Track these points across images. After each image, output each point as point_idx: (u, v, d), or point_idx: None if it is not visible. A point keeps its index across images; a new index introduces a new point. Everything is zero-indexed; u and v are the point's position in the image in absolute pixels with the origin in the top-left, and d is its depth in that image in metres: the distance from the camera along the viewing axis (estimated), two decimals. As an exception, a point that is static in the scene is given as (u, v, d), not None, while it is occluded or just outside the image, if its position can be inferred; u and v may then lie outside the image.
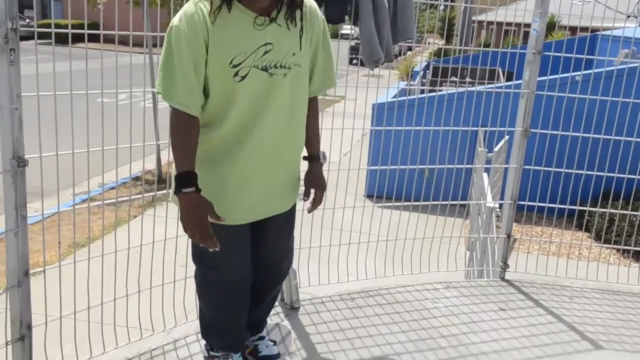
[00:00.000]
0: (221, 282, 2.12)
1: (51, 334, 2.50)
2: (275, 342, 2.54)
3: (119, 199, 2.67)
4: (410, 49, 18.57)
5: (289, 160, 2.14)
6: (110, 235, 2.85)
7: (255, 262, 2.25)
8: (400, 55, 18.37)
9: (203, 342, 2.38)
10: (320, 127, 2.32)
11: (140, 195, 2.85)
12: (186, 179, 1.89)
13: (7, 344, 2.24)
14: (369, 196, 6.68)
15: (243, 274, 2.12)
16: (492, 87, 5.32)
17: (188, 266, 2.44)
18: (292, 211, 2.31)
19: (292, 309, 3.15)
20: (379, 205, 3.80)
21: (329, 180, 3.47)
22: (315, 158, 2.28)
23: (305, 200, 2.27)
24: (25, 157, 2.18)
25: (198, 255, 2.11)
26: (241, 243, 2.10)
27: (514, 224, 4.26)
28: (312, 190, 2.29)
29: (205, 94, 1.94)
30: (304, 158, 2.27)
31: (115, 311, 2.66)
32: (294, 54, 1.97)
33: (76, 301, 2.51)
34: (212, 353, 2.29)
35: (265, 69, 1.93)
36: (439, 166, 3.66)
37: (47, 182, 2.39)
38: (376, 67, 2.87)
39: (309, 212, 2.34)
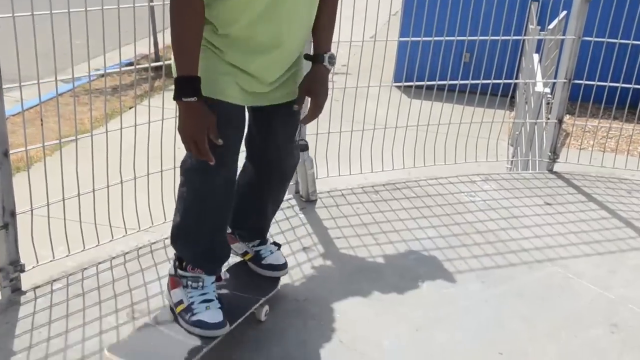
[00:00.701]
0: (202, 172, 1.97)
1: (39, 228, 2.50)
2: (279, 246, 2.42)
3: (113, 87, 2.58)
4: None
5: (298, 45, 2.01)
6: (102, 128, 2.83)
7: (256, 160, 2.22)
8: None
9: (172, 259, 2.21)
10: (338, 12, 2.12)
11: (135, 80, 2.76)
12: (188, 85, 1.78)
13: (-12, 231, 2.25)
14: (398, 85, 6.53)
15: (231, 168, 2.03)
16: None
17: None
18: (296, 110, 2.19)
19: (308, 202, 3.14)
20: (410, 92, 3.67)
21: (352, 67, 3.38)
22: (319, 59, 2.07)
23: (295, 109, 2.11)
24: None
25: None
26: (236, 130, 2.00)
27: (566, 116, 4.11)
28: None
29: None
30: (307, 57, 2.10)
31: (109, 206, 2.64)
32: None
33: (65, 194, 2.50)
34: (180, 272, 2.08)
35: None
36: (481, 38, 3.45)
37: (26, 68, 2.28)
38: None
39: (304, 123, 2.27)
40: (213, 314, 2.01)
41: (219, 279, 2.16)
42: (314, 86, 2.08)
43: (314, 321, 2.27)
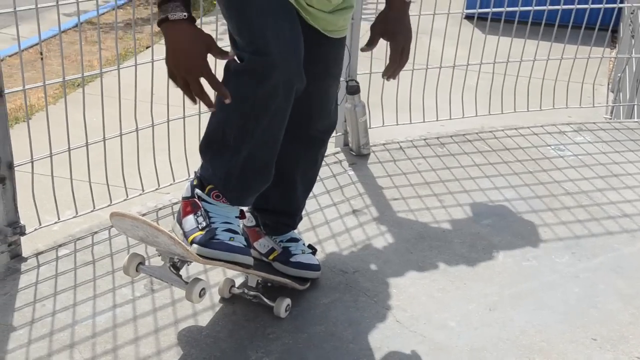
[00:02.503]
0: (259, 71, 1.87)
1: (42, 188, 2.56)
2: (315, 251, 2.38)
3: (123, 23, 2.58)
4: None
5: None
6: (113, 71, 2.86)
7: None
8: None
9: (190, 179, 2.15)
10: None
11: (151, 13, 2.76)
12: (173, 1, 1.73)
13: (-18, 187, 2.32)
14: (469, 17, 6.40)
15: (292, 65, 1.91)
16: None
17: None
18: (342, 45, 2.18)
19: (359, 157, 3.15)
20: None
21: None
22: None
23: (365, 49, 2.14)
24: None
25: (237, 30, 1.93)
26: (289, 18, 1.92)
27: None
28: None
29: None
30: None
31: (122, 160, 2.68)
32: None
33: (71, 145, 2.55)
34: (198, 192, 2.01)
35: None
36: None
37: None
38: None
39: (388, 78, 2.21)
40: (239, 241, 1.98)
41: (242, 216, 2.09)
42: (392, 26, 2.09)
43: (365, 297, 2.29)
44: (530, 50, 3.49)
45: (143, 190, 2.80)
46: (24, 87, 2.41)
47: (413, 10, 3.28)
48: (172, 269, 1.97)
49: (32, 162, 2.45)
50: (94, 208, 2.68)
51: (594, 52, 3.69)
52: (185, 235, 1.96)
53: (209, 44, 1.78)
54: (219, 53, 1.81)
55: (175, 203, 2.73)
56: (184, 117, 2.80)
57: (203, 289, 1.93)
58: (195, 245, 1.91)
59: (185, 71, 1.76)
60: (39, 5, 2.34)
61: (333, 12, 2.03)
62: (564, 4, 3.45)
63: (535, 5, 3.43)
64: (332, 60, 2.17)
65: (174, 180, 2.87)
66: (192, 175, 2.06)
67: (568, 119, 3.61)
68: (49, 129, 2.47)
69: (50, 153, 2.50)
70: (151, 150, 2.77)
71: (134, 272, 2.01)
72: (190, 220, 1.97)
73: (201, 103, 1.83)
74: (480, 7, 3.42)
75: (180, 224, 2.00)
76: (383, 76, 2.20)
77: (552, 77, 3.59)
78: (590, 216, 2.78)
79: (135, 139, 2.72)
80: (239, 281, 2.25)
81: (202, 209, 1.97)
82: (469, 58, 3.40)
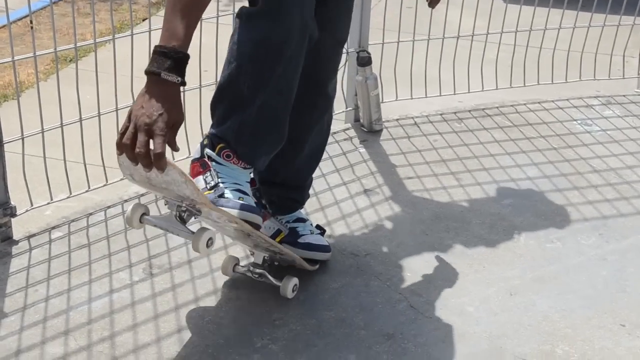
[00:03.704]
0: (274, 14, 1.93)
1: (33, 169, 2.57)
2: (323, 231, 2.42)
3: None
4: None
5: None
6: (108, 45, 2.86)
7: None
8: None
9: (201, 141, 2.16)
10: None
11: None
12: (175, 61, 1.73)
13: (-30, 164, 2.34)
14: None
15: (306, 7, 1.97)
16: None
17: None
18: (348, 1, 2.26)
19: (370, 133, 3.17)
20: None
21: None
22: None
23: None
24: None
25: None
26: None
27: None
28: None
29: None
30: None
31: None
32: None
33: (63, 119, 2.57)
34: (208, 151, 2.04)
35: None
36: None
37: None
38: None
39: (434, 5, 2.39)
40: (248, 202, 2.00)
41: (253, 183, 2.13)
42: None
43: (377, 281, 2.30)
44: (555, 20, 3.48)
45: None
46: (12, 58, 2.42)
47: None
48: (178, 219, 1.96)
49: (22, 139, 2.47)
50: (89, 188, 2.69)
51: (625, 20, 3.68)
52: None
53: (179, 121, 1.75)
54: (173, 138, 1.76)
55: (175, 183, 2.75)
56: (183, 92, 2.80)
57: (210, 238, 1.92)
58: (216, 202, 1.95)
59: (147, 125, 1.69)
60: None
61: None
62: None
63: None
64: (342, 15, 2.24)
65: (173, 159, 2.88)
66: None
67: (596, 93, 3.59)
68: (40, 105, 2.48)
69: (42, 129, 2.52)
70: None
71: (137, 223, 2.01)
72: (199, 181, 2.01)
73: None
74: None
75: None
76: (430, 5, 2.38)
77: (579, 48, 3.59)
78: (619, 195, 2.80)
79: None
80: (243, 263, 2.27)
81: (211, 169, 2.01)
82: (489, 28, 3.40)
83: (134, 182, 1.93)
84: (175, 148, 1.76)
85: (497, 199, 2.75)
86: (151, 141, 1.69)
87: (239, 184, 2.02)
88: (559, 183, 2.85)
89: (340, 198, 2.72)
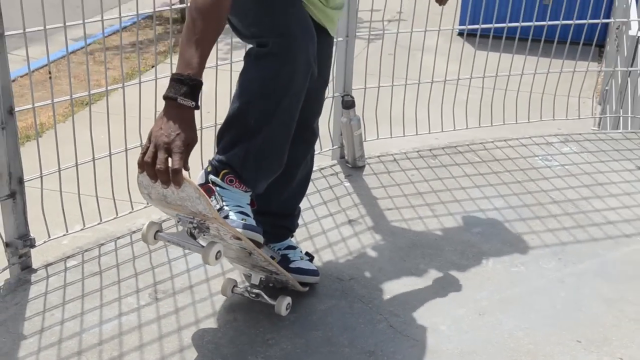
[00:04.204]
0: (283, 54, 1.96)
1: (51, 203, 2.57)
2: (312, 258, 2.43)
3: (132, 42, 2.62)
4: None
5: None
6: (120, 91, 2.91)
7: None
8: None
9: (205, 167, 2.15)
10: None
11: (154, 35, 2.80)
12: (190, 87, 1.77)
13: (-7, 201, 2.35)
14: (460, 34, 6.45)
15: (310, 48, 2.02)
16: None
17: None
18: (331, 46, 2.34)
19: (354, 169, 3.17)
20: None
21: (407, 16, 3.36)
22: None
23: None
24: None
25: (257, 21, 2.02)
26: (305, 10, 2.06)
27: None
28: None
29: None
30: None
31: (128, 174, 2.70)
32: None
33: (79, 158, 2.59)
34: (212, 177, 2.04)
35: None
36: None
37: (32, 21, 2.34)
38: None
39: (442, 4, 2.45)
40: (250, 222, 2.01)
41: (252, 204, 2.11)
42: None
43: (360, 303, 2.31)
44: (519, 66, 3.52)
45: (147, 203, 2.83)
46: (33, 105, 2.45)
47: (405, 28, 3.35)
48: (189, 235, 1.97)
49: (41, 178, 2.49)
50: (101, 221, 2.72)
51: (582, 66, 3.71)
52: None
53: (193, 141, 1.79)
54: (187, 157, 1.79)
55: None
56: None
57: (219, 251, 1.93)
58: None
59: (166, 144, 1.73)
60: (47, 27, 2.39)
61: (335, 8, 2.17)
62: (551, 20, 3.48)
63: (524, 21, 3.46)
64: (327, 60, 2.30)
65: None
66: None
67: (555, 131, 3.61)
68: (57, 145, 2.51)
69: (59, 168, 2.54)
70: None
71: (152, 240, 2.02)
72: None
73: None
74: (469, 24, 3.46)
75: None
76: (443, 3, 2.42)
77: (540, 90, 3.61)
78: (575, 223, 2.80)
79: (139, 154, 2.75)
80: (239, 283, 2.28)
81: (216, 193, 2.02)
82: (460, 73, 3.43)
83: (150, 201, 1.94)
84: (186, 167, 1.77)
85: (468, 227, 2.76)
86: (169, 159, 1.73)
87: (241, 206, 2.03)
88: (522, 213, 2.86)
89: (327, 228, 2.72)
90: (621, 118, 3.89)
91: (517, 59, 3.49)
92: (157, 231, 2.03)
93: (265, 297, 2.20)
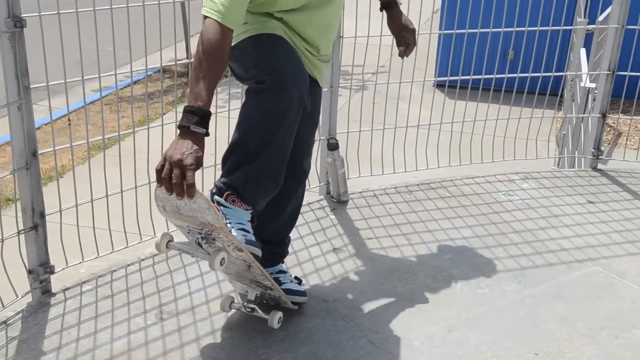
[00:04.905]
0: (278, 89, 2.00)
1: (68, 235, 2.58)
2: (300, 281, 2.45)
3: (140, 93, 2.68)
4: None
5: (328, 41, 2.26)
6: (134, 131, 2.96)
7: None
8: None
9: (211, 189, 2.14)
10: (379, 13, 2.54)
11: (161, 88, 2.86)
12: (200, 116, 1.84)
13: (18, 233, 2.36)
14: (440, 85, 6.53)
15: (302, 84, 2.07)
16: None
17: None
18: (320, 95, 2.40)
19: (339, 203, 3.19)
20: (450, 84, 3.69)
21: (392, 68, 3.43)
22: (392, 4, 2.50)
23: (401, 49, 2.53)
24: (23, 16, 2.18)
25: (255, 64, 2.07)
26: (294, 51, 2.12)
27: (620, 115, 4.10)
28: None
29: None
30: (381, 9, 2.53)
31: (137, 208, 2.73)
32: None
33: (94, 195, 2.62)
34: (216, 197, 2.06)
35: None
36: (529, 29, 3.46)
37: (54, 74, 2.38)
38: None
39: (405, 56, 2.56)
40: (251, 238, 2.04)
41: (253, 221, 2.12)
42: (401, 23, 2.48)
43: (343, 322, 2.32)
44: (483, 112, 3.55)
45: (154, 235, 2.86)
46: (54, 148, 2.49)
47: (385, 79, 3.40)
48: (197, 244, 2.01)
49: (60, 212, 2.51)
50: (113, 250, 2.73)
51: (541, 113, 3.76)
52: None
53: (201, 161, 1.84)
54: (194, 173, 1.83)
55: (183, 245, 2.78)
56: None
57: (223, 258, 1.96)
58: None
59: (180, 162, 1.78)
60: (67, 81, 2.44)
61: (323, 61, 2.25)
62: (519, 72, 3.54)
63: (492, 73, 3.51)
64: (317, 106, 2.36)
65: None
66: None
67: (516, 169, 3.63)
68: (75, 184, 2.53)
69: (76, 204, 2.56)
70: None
71: (164, 248, 2.06)
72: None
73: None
74: (444, 76, 3.51)
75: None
76: (401, 55, 2.54)
77: (506, 134, 3.64)
78: (534, 250, 2.82)
79: (147, 192, 2.77)
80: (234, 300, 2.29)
81: (220, 212, 2.04)
82: (431, 119, 3.46)
83: (165, 213, 1.97)
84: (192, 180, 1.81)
85: (439, 254, 2.77)
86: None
87: (242, 224, 2.05)
88: (487, 241, 2.87)
89: (314, 255, 2.74)
90: (575, 158, 3.93)
91: (484, 106, 3.54)
92: (169, 241, 2.06)
93: (260, 311, 2.21)
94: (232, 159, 2.09)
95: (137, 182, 2.73)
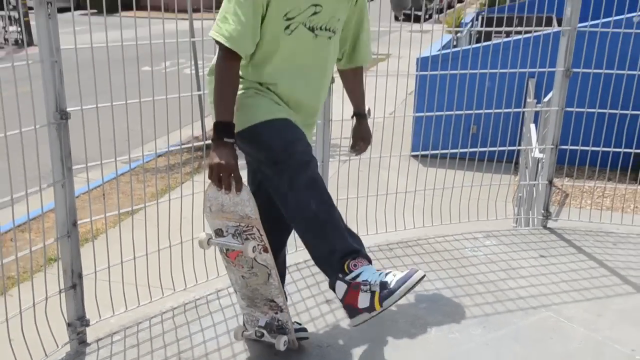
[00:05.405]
0: (306, 160, 2.04)
1: (102, 289, 2.67)
2: (304, 329, 2.50)
3: (163, 165, 2.80)
4: (460, 0, 17.97)
5: (315, 107, 2.31)
6: (161, 199, 3.10)
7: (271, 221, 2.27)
8: (450, 7, 17.85)
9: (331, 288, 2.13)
10: (364, 86, 2.59)
11: (180, 160, 3.00)
12: (227, 129, 2.03)
13: (60, 291, 2.45)
14: (415, 155, 6.71)
15: (311, 153, 2.12)
16: (538, 33, 5.19)
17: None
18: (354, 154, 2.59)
19: None
20: (424, 155, 3.83)
21: (375, 142, 3.56)
22: (362, 115, 2.53)
23: (351, 152, 2.57)
24: (68, 109, 2.32)
25: (266, 145, 2.07)
26: (299, 131, 2.15)
27: (567, 179, 4.23)
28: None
29: (257, 43, 2.10)
30: (352, 116, 2.54)
31: (160, 268, 2.81)
32: (339, 19, 2.20)
33: (123, 258, 2.71)
34: (346, 279, 2.00)
35: (312, 30, 2.12)
36: (490, 111, 3.64)
37: (92, 152, 2.52)
38: (404, 11, 2.90)
39: (356, 154, 2.59)
40: (392, 273, 2.04)
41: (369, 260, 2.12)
42: (364, 133, 2.55)
43: (335, 364, 2.36)
44: (458, 178, 3.63)
45: (174, 290, 2.94)
46: (90, 219, 2.60)
47: (368, 151, 3.53)
48: (232, 238, 2.11)
49: (95, 273, 2.60)
50: (139, 304, 2.80)
51: (502, 178, 3.88)
52: (371, 309, 2.01)
53: (237, 160, 2.04)
54: (236, 176, 2.04)
55: (198, 299, 2.85)
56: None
57: (254, 246, 2.07)
58: (386, 302, 1.99)
59: (223, 169, 1.99)
60: (103, 162, 2.58)
61: (306, 125, 2.27)
62: (481, 147, 3.71)
63: (462, 146, 3.66)
64: None
65: (196, 282, 3.01)
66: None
67: (480, 228, 3.69)
68: (108, 248, 2.62)
69: (108, 265, 2.65)
70: (180, 261, 2.91)
71: (206, 245, 2.15)
72: (363, 297, 2.03)
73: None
74: (419, 147, 3.66)
75: (358, 313, 2.03)
76: (353, 152, 2.58)
77: (472, 196, 3.75)
78: (496, 299, 2.87)
79: (168, 253, 2.87)
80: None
81: (359, 283, 2.02)
82: (407, 185, 3.57)
83: (210, 214, 2.11)
84: (239, 186, 2.04)
85: (416, 303, 2.81)
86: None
87: (372, 272, 2.07)
88: (456, 292, 2.92)
89: (310, 306, 2.78)
90: (530, 218, 4.04)
91: (452, 173, 3.65)
92: (210, 238, 2.17)
93: (268, 336, 2.28)
94: (320, 241, 2.06)
95: (160, 244, 2.80)
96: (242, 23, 2.02)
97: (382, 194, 3.51)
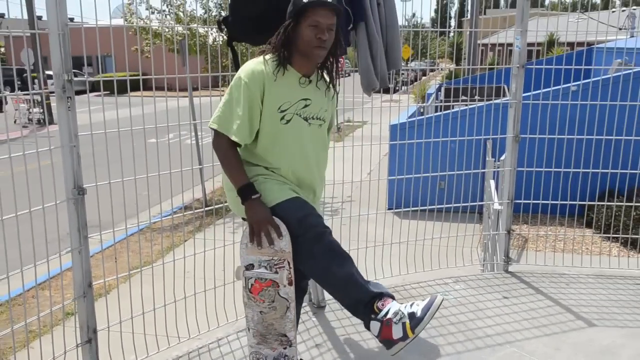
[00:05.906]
0: (320, 231, 2.05)
1: (112, 339, 2.66)
2: None
3: (167, 225, 2.82)
4: (424, 73, 18.52)
5: (316, 183, 2.34)
6: (166, 257, 3.07)
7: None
8: (416, 80, 18.37)
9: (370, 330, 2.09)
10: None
11: (182, 220, 3.03)
12: (249, 189, 2.09)
13: (77, 346, 2.42)
14: (391, 209, 6.78)
15: (322, 220, 2.13)
16: (491, 102, 5.36)
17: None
18: None
19: (319, 308, 3.24)
20: (401, 209, 3.88)
21: (356, 199, 3.63)
22: None
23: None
24: (84, 186, 2.38)
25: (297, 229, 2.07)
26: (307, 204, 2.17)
27: (526, 225, 4.29)
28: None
29: (257, 134, 2.17)
30: None
31: (166, 321, 2.79)
32: (326, 110, 2.30)
33: (133, 313, 2.69)
34: (379, 316, 2.00)
35: (305, 119, 2.21)
36: (452, 172, 3.74)
37: (105, 215, 2.56)
38: (374, 91, 3.00)
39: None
40: (415, 304, 2.05)
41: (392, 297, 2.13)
42: None
43: (325, 403, 2.34)
44: (429, 228, 3.69)
45: (179, 340, 2.90)
46: (104, 279, 2.60)
47: (353, 207, 3.59)
48: (264, 269, 2.09)
49: (108, 328, 2.58)
50: (148, 354, 2.77)
51: (468, 228, 3.93)
52: (405, 337, 1.99)
53: (269, 210, 2.08)
54: (274, 226, 2.07)
55: (200, 347, 2.81)
56: (204, 291, 2.96)
57: (289, 275, 2.06)
58: (417, 329, 1.98)
59: (263, 224, 2.04)
60: (115, 229, 2.59)
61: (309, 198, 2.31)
62: (447, 201, 3.76)
63: (431, 198, 3.71)
64: None
65: (199, 332, 2.98)
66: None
67: (450, 274, 3.71)
68: (120, 305, 2.61)
69: (120, 321, 2.63)
70: (184, 313, 2.90)
71: (241, 276, 2.14)
72: (396, 329, 2.02)
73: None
74: (395, 203, 3.72)
75: (394, 344, 2.01)
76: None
77: (441, 244, 3.78)
78: (466, 337, 2.87)
79: (174, 307, 2.86)
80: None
81: (389, 318, 2.02)
82: (384, 236, 3.62)
83: (245, 249, 2.11)
84: (279, 233, 2.05)
85: None
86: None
87: (401, 305, 2.06)
88: (431, 332, 2.91)
89: (301, 350, 2.76)
90: (494, 264, 4.07)
91: (423, 223, 3.71)
92: (244, 270, 2.15)
93: None
94: (347, 294, 2.07)
95: (166, 300, 2.79)
96: (240, 117, 2.12)
97: (363, 247, 3.53)
